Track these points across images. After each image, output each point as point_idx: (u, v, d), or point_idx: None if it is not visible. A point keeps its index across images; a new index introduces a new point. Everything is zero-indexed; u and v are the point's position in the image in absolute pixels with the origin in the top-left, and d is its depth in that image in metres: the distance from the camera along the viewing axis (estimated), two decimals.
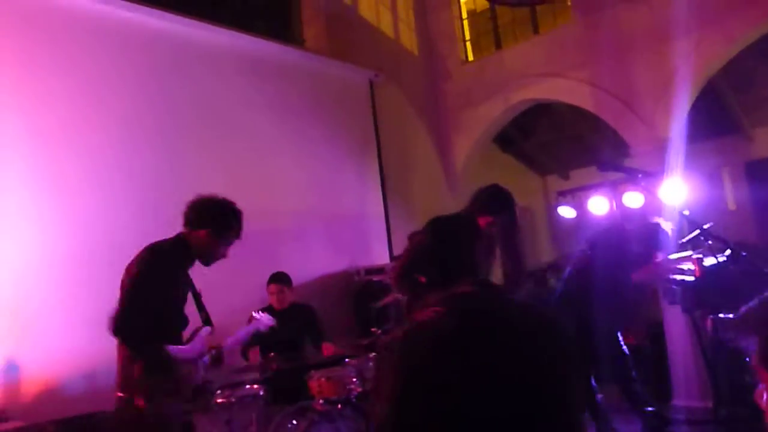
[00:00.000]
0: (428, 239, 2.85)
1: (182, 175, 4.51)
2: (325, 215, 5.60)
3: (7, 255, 3.63)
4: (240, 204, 4.78)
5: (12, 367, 3.52)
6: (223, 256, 2.78)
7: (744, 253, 3.27)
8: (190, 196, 4.43)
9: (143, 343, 2.42)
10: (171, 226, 3.40)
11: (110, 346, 2.55)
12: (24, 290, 3.66)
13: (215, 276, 4.20)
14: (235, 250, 4.75)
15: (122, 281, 2.50)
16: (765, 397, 1.73)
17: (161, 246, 2.62)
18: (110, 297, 2.80)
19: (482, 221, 3.00)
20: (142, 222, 4.04)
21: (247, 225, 4.86)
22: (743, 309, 3.15)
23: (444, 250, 2.86)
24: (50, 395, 3.61)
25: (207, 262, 2.76)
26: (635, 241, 4.06)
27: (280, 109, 5.43)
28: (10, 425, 2.94)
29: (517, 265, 3.04)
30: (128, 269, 2.51)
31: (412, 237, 3.45)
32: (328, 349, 4.31)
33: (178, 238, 2.70)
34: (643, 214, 4.32)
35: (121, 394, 2.44)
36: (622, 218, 4.37)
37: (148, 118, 4.49)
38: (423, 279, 3.02)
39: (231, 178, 4.84)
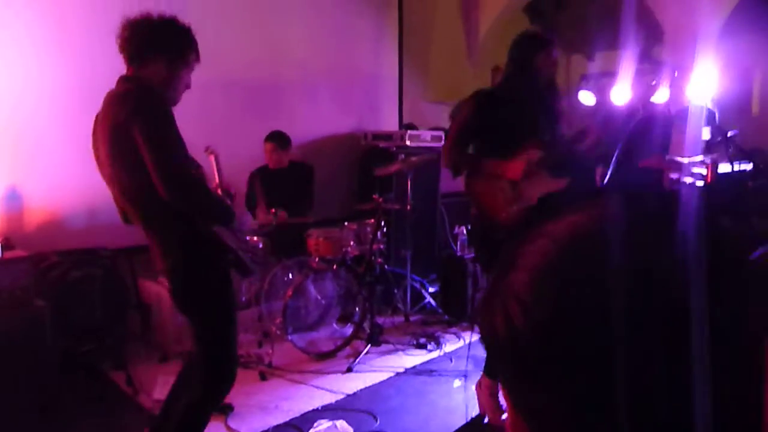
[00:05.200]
0: (474, 108, 2.67)
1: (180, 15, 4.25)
2: (335, 71, 5.36)
3: (4, 84, 3.50)
4: (244, 53, 4.60)
5: (14, 196, 3.54)
6: (188, 86, 2.24)
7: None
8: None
9: (204, 189, 2.11)
10: None
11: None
12: (22, 120, 3.57)
13: (218, 128, 4.14)
14: (238, 101, 4.67)
15: (114, 132, 2.03)
16: None
17: (145, 84, 2.11)
18: None
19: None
20: None
21: (252, 75, 4.72)
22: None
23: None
24: (53, 227, 3.68)
25: (175, 100, 2.21)
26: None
27: None
28: (15, 253, 3.02)
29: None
30: (124, 118, 1.99)
31: (456, 110, 3.23)
32: (280, 216, 4.14)
33: (136, 78, 2.11)
34: (667, 108, 4.16)
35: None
36: (649, 109, 4.20)
37: None
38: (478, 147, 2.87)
39: (234, 24, 4.58)
